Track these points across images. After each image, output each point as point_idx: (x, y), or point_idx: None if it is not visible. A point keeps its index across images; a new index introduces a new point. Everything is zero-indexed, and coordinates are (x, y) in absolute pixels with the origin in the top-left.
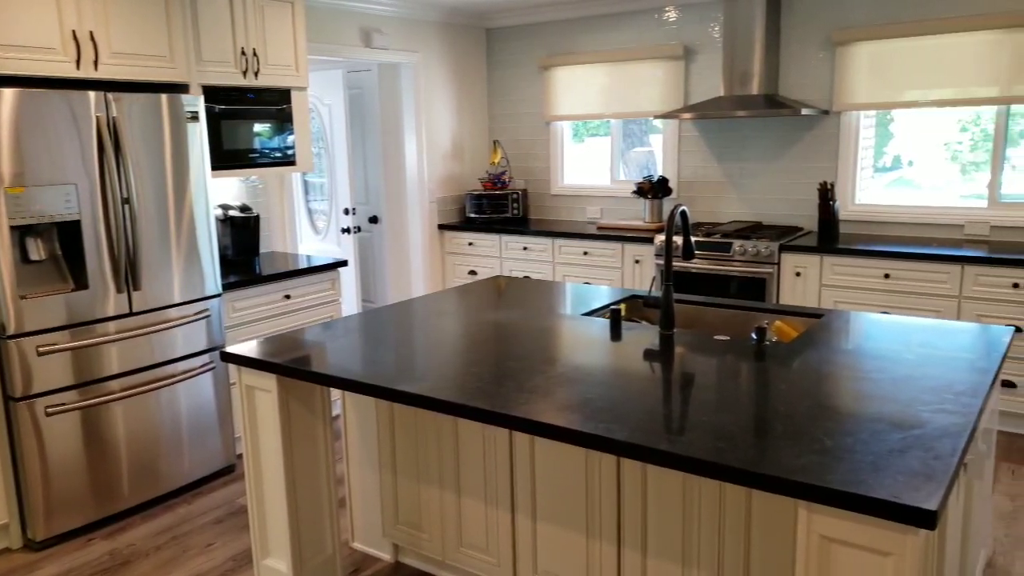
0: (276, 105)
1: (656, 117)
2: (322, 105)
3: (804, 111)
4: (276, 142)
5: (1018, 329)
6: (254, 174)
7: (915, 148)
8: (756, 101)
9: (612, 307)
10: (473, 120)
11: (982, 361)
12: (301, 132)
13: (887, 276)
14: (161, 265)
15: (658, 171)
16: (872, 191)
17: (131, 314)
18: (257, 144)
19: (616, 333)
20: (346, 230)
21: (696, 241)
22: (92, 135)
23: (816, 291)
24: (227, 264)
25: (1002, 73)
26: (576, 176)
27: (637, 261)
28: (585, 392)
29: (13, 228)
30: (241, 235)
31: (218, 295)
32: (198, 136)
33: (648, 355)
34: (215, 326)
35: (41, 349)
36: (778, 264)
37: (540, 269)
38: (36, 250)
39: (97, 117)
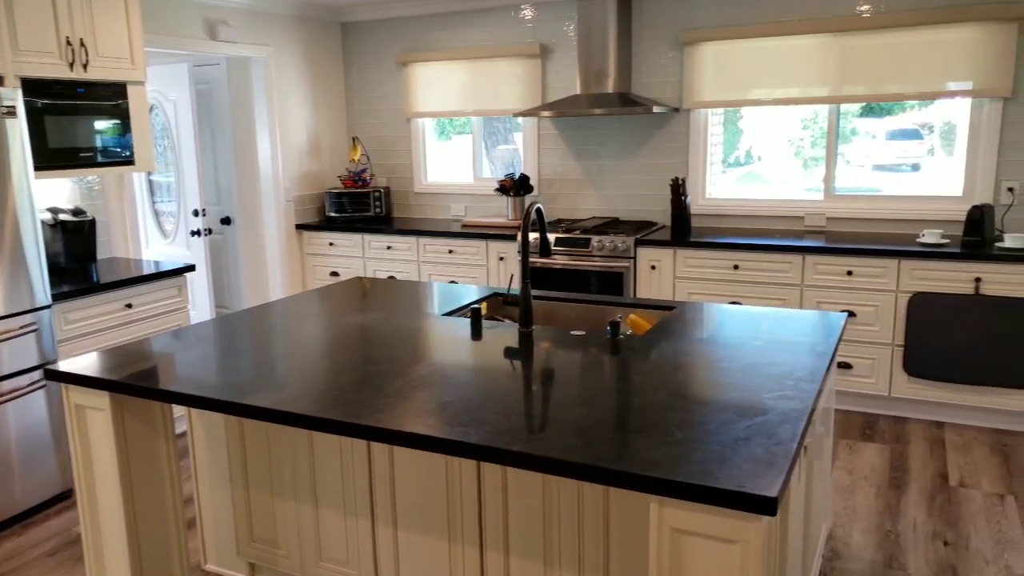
0: (110, 100)
1: (515, 115)
2: (167, 101)
3: (656, 109)
4: (111, 140)
5: (851, 314)
6: (86, 174)
7: (764, 144)
8: (610, 99)
9: (473, 306)
10: (331, 116)
11: (821, 345)
12: (140, 129)
13: (736, 267)
14: None
15: (521, 169)
16: (723, 185)
17: None
18: (89, 142)
19: (477, 332)
20: (196, 232)
21: (556, 238)
22: None
23: (671, 283)
24: (59, 272)
25: (832, 74)
26: (440, 174)
27: (501, 258)
28: (444, 395)
29: None
30: (74, 240)
31: (47, 306)
32: (17, 133)
33: (508, 353)
34: (45, 340)
35: None
36: (634, 258)
37: (405, 269)
38: None
39: None
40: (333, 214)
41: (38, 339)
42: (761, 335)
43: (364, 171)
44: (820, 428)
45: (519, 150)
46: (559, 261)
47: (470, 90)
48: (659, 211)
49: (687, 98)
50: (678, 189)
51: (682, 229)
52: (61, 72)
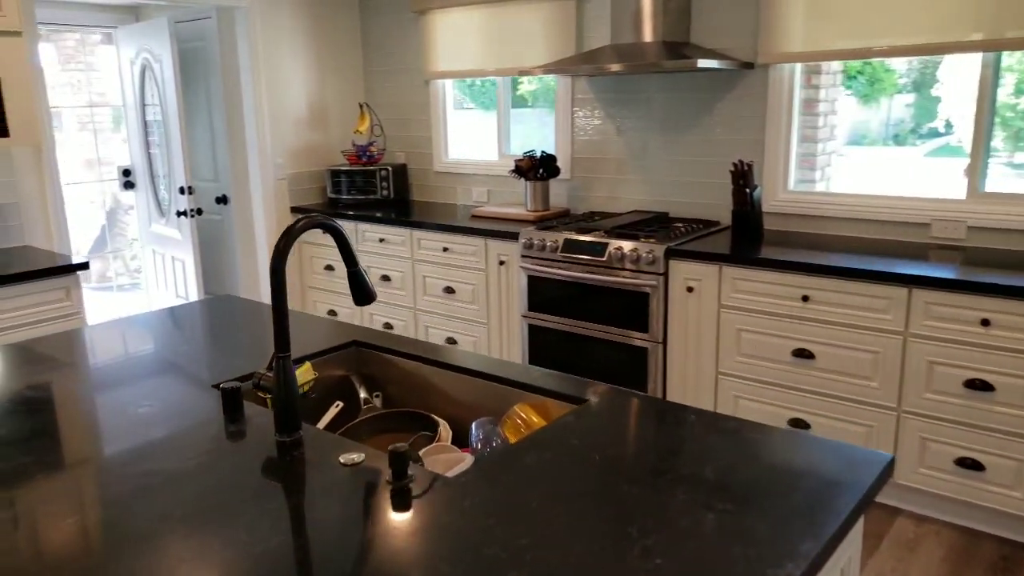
0: None
1: (519, 73)
2: (155, 62)
3: (710, 63)
4: None
5: (985, 386)
6: None
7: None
8: (646, 50)
9: (228, 385)
10: (341, 79)
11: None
12: (17, 94)
13: (805, 299)
14: None
15: (552, 143)
16: (840, 170)
17: None
18: None
19: (228, 432)
20: (182, 213)
21: (566, 239)
22: None
23: (713, 313)
24: None
25: (986, 7)
26: (465, 150)
27: (502, 262)
28: None
29: None
30: None
31: None
32: None
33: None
34: None
35: None
36: (665, 274)
37: (398, 267)
38: None
39: None
40: (334, 195)
41: None
42: (718, 468)
43: (371, 145)
44: None
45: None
46: (569, 272)
47: (494, 44)
48: (725, 205)
49: (765, 48)
50: (742, 177)
51: (745, 234)
52: None
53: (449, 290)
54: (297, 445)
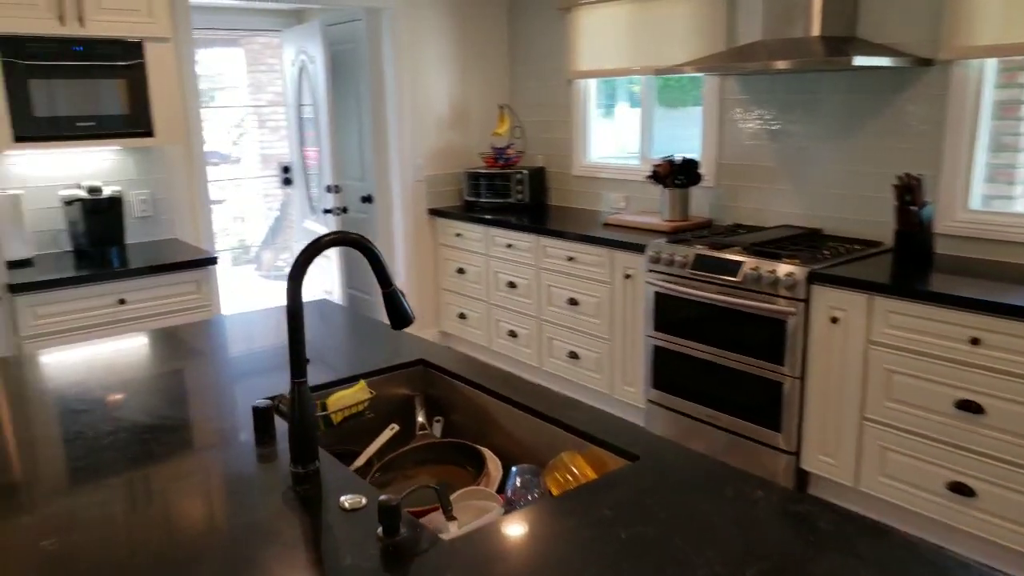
0: (120, 61)
1: (657, 72)
2: (310, 63)
3: (887, 61)
4: (122, 108)
5: None
6: (86, 147)
7: None
8: (805, 46)
9: (262, 404)
10: (485, 80)
11: None
12: (163, 95)
13: (976, 342)
14: None
15: (698, 147)
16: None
17: None
18: (90, 110)
19: (258, 455)
20: (328, 211)
21: (697, 255)
22: None
23: (860, 350)
24: (80, 256)
25: None
26: (605, 153)
27: (628, 276)
28: None
29: None
30: (91, 221)
31: None
32: None
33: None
34: None
35: None
36: (807, 301)
37: (523, 274)
38: None
39: None
40: (471, 198)
41: None
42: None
43: (509, 147)
44: None
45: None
46: (698, 292)
47: (639, 40)
48: (890, 223)
49: (950, 41)
50: (908, 192)
51: (909, 260)
52: (50, 28)
53: (573, 302)
54: (311, 478)
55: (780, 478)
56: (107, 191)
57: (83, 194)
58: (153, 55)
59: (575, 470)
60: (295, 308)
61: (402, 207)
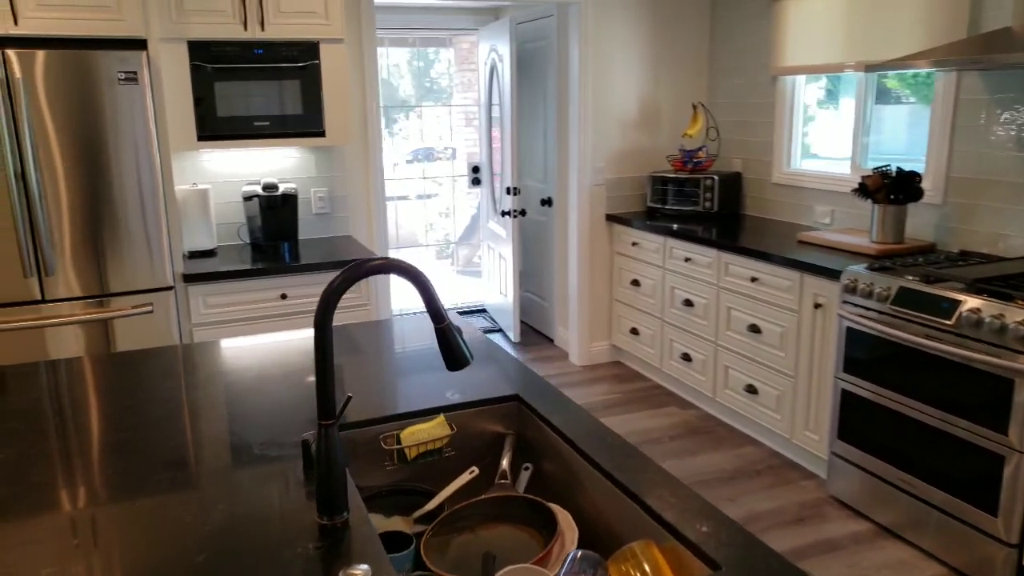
0: (296, 63)
1: (869, 69)
2: (499, 61)
3: None
4: (295, 109)
5: None
6: (261, 146)
7: None
8: None
9: (311, 436)
10: (679, 75)
11: None
12: (335, 96)
13: None
14: (85, 248)
15: (922, 157)
16: None
17: (43, 301)
18: (266, 110)
19: (305, 491)
20: (506, 213)
21: (905, 288)
22: None
23: None
24: (256, 250)
25: None
26: (813, 159)
27: (818, 305)
28: None
29: None
30: (267, 217)
31: (169, 288)
32: (140, 101)
33: None
34: (168, 322)
35: None
36: None
37: (701, 292)
38: None
39: None
40: (654, 204)
41: (156, 321)
42: None
43: (700, 150)
44: None
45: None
46: (899, 332)
47: (856, 31)
48: None
49: None
50: None
51: None
52: (234, 32)
53: (754, 329)
54: (335, 532)
55: (997, 574)
56: (282, 188)
57: (260, 191)
58: (328, 56)
59: (647, 567)
60: (324, 346)
61: (579, 212)
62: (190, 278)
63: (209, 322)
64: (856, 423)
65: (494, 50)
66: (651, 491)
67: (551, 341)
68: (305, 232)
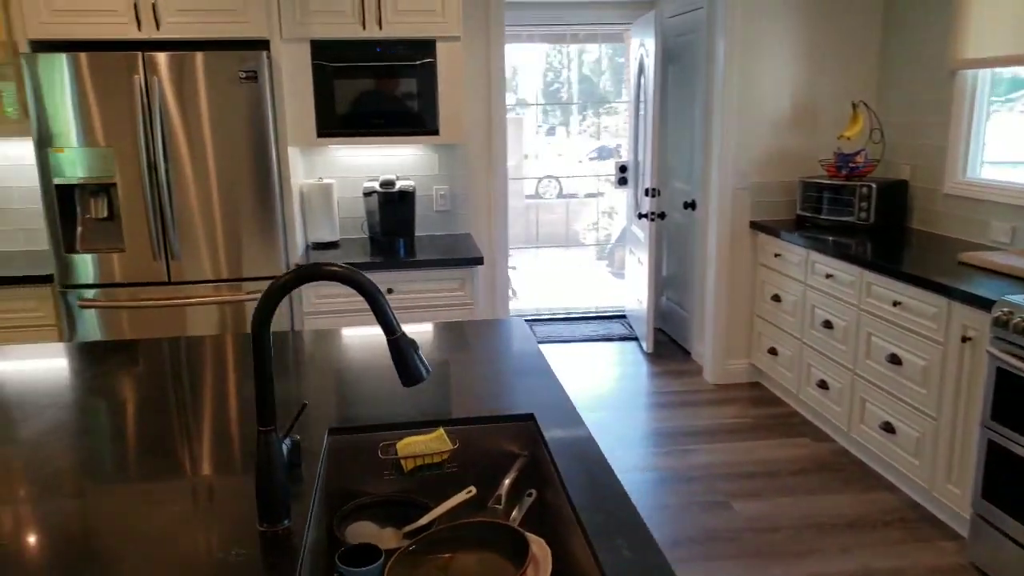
0: (412, 61)
1: None
2: (646, 56)
3: None
4: (409, 106)
5: None
6: (375, 143)
7: None
8: None
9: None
10: (843, 70)
11: None
12: (449, 94)
13: None
14: (205, 236)
15: None
16: None
17: (169, 283)
18: (380, 108)
19: None
20: (643, 215)
21: None
22: (134, 98)
23: None
24: (374, 244)
25: None
26: (994, 167)
27: (967, 338)
28: None
29: (60, 187)
30: (385, 212)
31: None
32: (259, 98)
33: None
34: (279, 309)
35: (80, 303)
36: None
37: (841, 313)
38: (94, 209)
39: (135, 79)
40: (803, 212)
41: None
42: None
43: (857, 154)
44: None
45: None
46: None
47: None
48: None
49: None
50: None
51: None
52: (353, 32)
53: (895, 359)
54: (277, 540)
55: None
56: (401, 185)
57: (377, 187)
58: (444, 54)
59: None
60: (261, 350)
61: (719, 216)
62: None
63: (319, 311)
64: (1004, 482)
65: (643, 45)
66: (608, 539)
67: (688, 355)
68: (426, 228)
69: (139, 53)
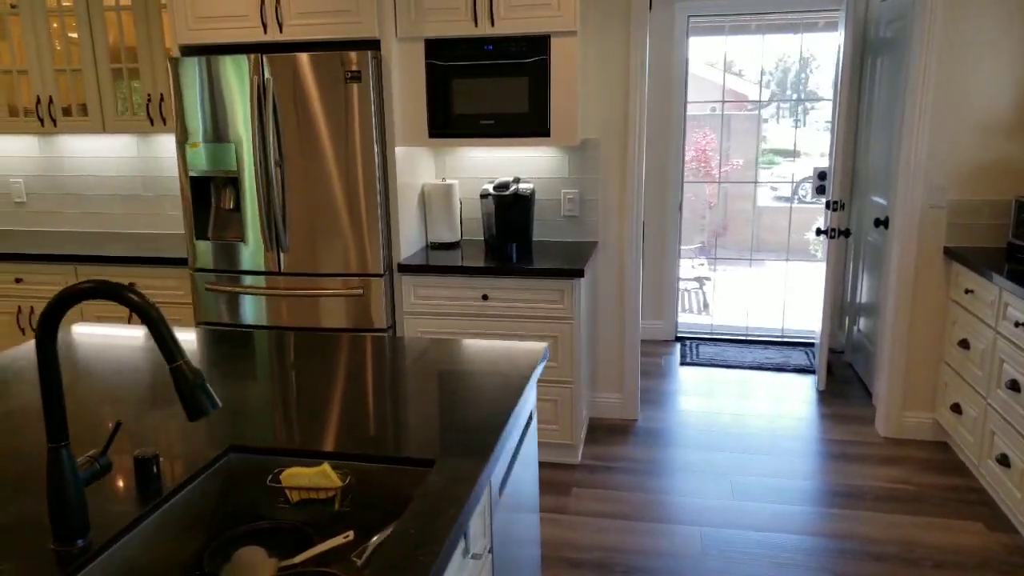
0: (524, 58)
1: None
2: (842, 46)
3: None
4: (520, 106)
5: None
6: (486, 145)
7: None
8: None
9: (147, 453)
10: None
11: None
12: (562, 93)
13: None
14: (312, 231)
15: None
16: None
17: (279, 273)
18: (490, 108)
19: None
20: (821, 232)
21: None
22: (251, 97)
23: None
24: (487, 246)
25: None
26: None
27: None
28: None
29: (193, 179)
30: (500, 215)
31: (379, 275)
32: (365, 98)
33: None
34: (376, 306)
35: (206, 286)
36: None
37: (982, 333)
38: (223, 200)
39: (253, 80)
40: (1018, 241)
41: (363, 304)
42: None
43: None
44: None
45: None
46: None
47: None
48: None
49: None
50: None
51: None
52: (464, 30)
53: (1014, 386)
54: (72, 559)
55: None
56: (516, 187)
57: (491, 189)
58: (558, 50)
59: None
60: (47, 361)
61: (902, 238)
62: (403, 268)
63: (418, 312)
64: None
65: (843, 34)
66: None
67: (870, 397)
68: (551, 234)
69: (258, 55)
